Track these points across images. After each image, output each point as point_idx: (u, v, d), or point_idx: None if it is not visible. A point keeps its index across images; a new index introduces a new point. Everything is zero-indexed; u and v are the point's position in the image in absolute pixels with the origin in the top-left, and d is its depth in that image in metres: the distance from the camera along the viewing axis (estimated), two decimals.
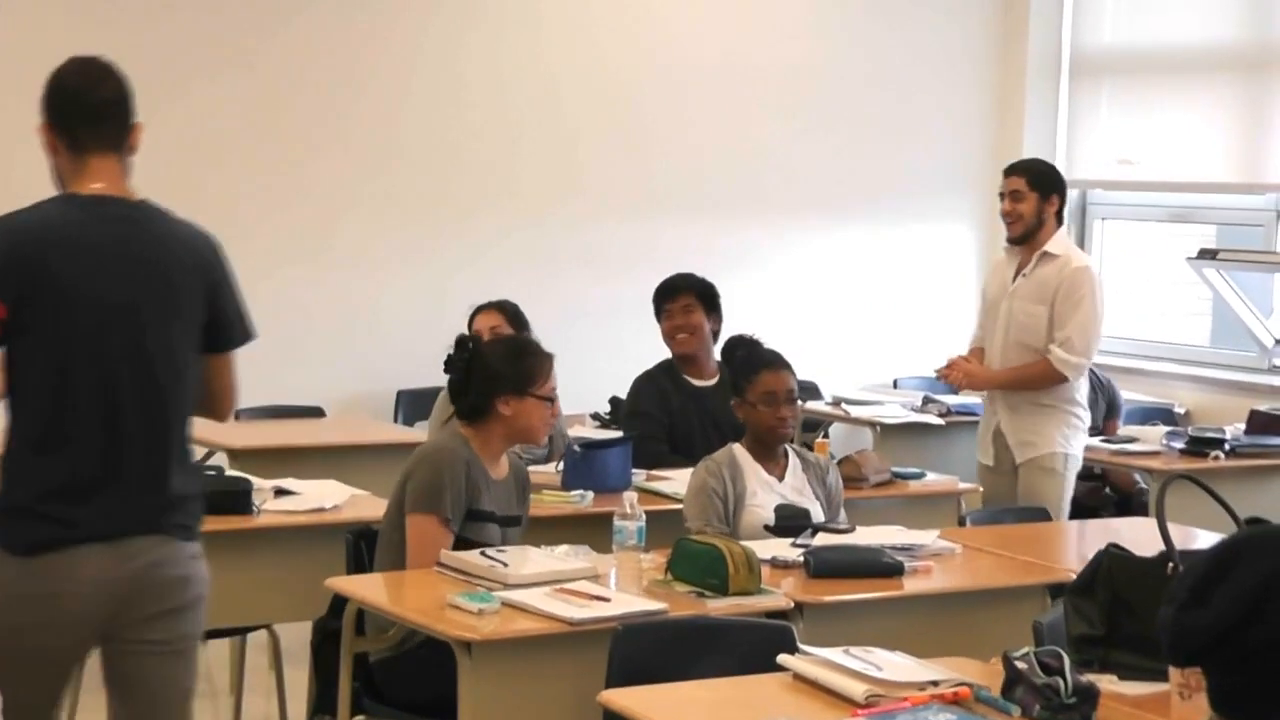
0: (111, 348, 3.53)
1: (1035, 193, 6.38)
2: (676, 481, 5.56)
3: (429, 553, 4.48)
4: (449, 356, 4.81)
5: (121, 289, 3.56)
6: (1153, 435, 7.08)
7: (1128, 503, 7.21)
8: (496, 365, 4.72)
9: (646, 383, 6.43)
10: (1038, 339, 6.35)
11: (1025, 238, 6.41)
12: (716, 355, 6.33)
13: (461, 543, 4.53)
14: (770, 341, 5.99)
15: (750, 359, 5.39)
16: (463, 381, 4.75)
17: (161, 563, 3.59)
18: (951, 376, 6.61)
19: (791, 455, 5.28)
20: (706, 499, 5.09)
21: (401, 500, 4.62)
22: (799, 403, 5.49)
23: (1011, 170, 6.53)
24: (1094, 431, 7.13)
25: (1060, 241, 6.44)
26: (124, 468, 3.53)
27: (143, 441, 3.55)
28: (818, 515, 5.12)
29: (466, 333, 4.84)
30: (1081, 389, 6.49)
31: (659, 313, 6.50)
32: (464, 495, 4.58)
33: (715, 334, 6.41)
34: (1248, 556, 2.88)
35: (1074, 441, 6.44)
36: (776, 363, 5.27)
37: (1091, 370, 6.74)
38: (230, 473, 5.72)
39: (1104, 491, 7.18)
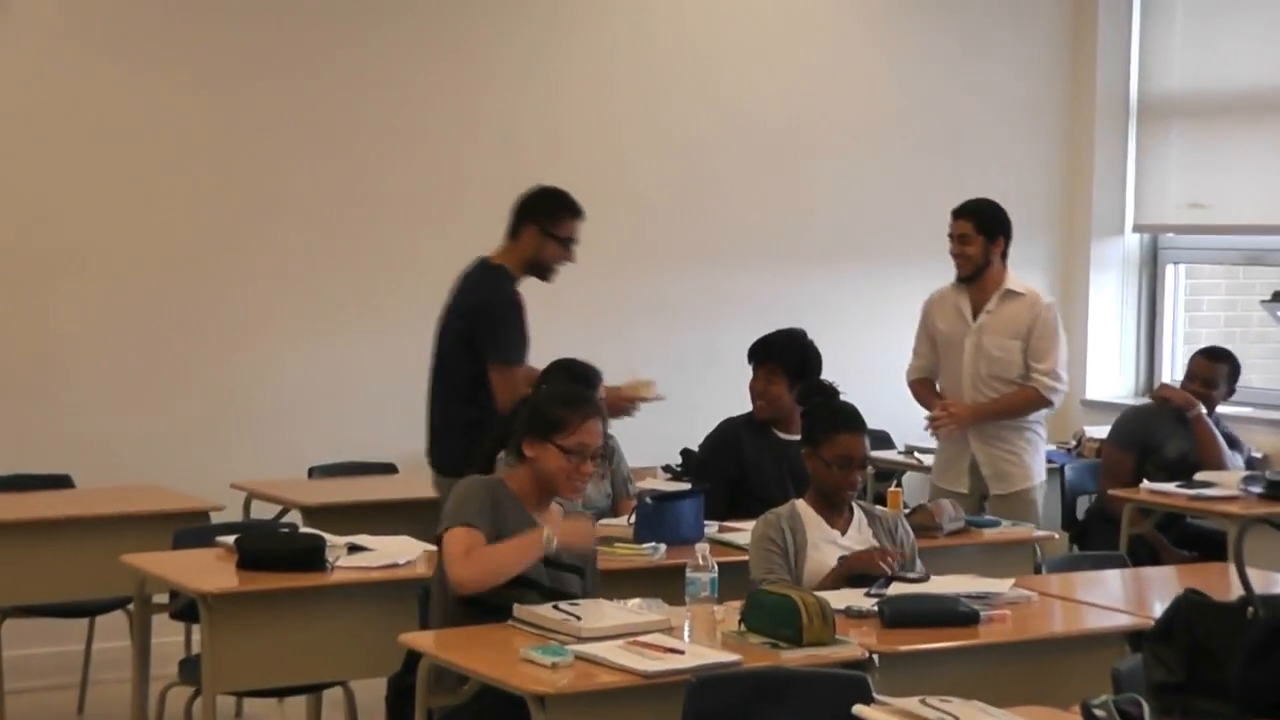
0: None
1: (982, 235, 6.83)
2: (749, 533, 5.54)
3: (462, 560, 4.43)
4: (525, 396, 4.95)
5: None
6: (1230, 480, 7.01)
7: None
8: (534, 407, 4.73)
9: (725, 431, 6.44)
10: (1011, 371, 6.80)
11: (973, 277, 6.84)
12: None
13: (529, 586, 4.53)
14: (842, 392, 5.99)
15: (830, 415, 5.31)
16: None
17: None
18: (944, 426, 6.84)
19: (857, 510, 5.25)
20: (766, 549, 5.08)
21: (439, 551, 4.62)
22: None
23: (959, 214, 6.92)
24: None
25: (1021, 282, 6.92)
26: None
27: None
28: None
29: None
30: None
31: (751, 364, 6.48)
32: (489, 511, 4.53)
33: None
34: None
35: (1041, 463, 6.94)
36: (856, 426, 5.22)
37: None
38: (304, 530, 5.75)
39: (1193, 560, 7.01)
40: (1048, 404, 6.82)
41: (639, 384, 6.32)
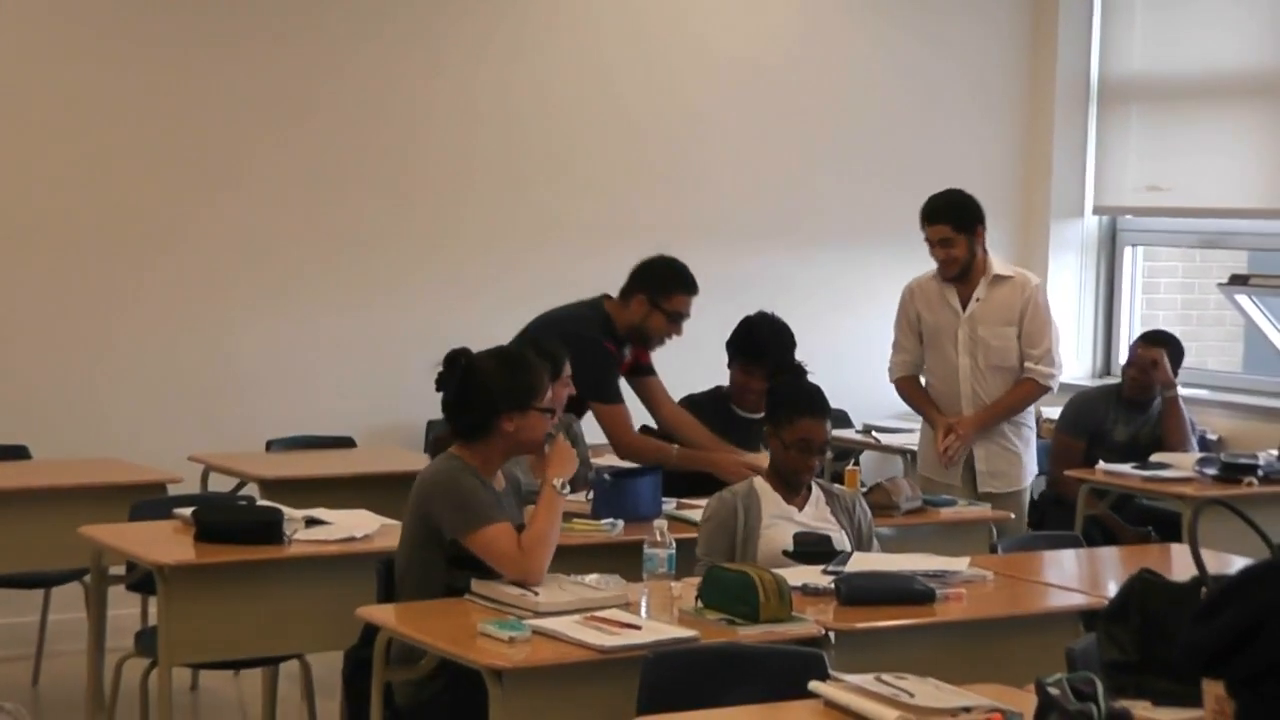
0: None
1: (963, 235, 6.57)
2: None
3: (519, 556, 4.48)
4: (440, 374, 4.71)
5: None
6: (1185, 462, 7.05)
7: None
8: (495, 382, 4.64)
9: (687, 408, 6.45)
10: (1011, 358, 6.62)
11: (963, 275, 6.61)
12: None
13: (473, 566, 4.53)
14: (811, 372, 6.00)
15: (795, 397, 5.29)
16: (459, 400, 4.68)
17: None
18: (956, 452, 6.65)
19: (815, 488, 5.27)
20: (712, 530, 5.11)
21: (417, 535, 4.60)
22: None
23: (933, 218, 6.61)
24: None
25: (1004, 264, 6.76)
26: None
27: None
28: (841, 544, 5.10)
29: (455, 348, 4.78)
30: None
31: (735, 359, 6.44)
32: (488, 495, 4.59)
33: None
34: (1256, 586, 2.86)
35: (1033, 459, 6.82)
36: (819, 411, 5.20)
37: None
38: (261, 503, 5.74)
39: (1150, 536, 7.06)
40: (1047, 391, 6.68)
41: (763, 456, 6.24)
